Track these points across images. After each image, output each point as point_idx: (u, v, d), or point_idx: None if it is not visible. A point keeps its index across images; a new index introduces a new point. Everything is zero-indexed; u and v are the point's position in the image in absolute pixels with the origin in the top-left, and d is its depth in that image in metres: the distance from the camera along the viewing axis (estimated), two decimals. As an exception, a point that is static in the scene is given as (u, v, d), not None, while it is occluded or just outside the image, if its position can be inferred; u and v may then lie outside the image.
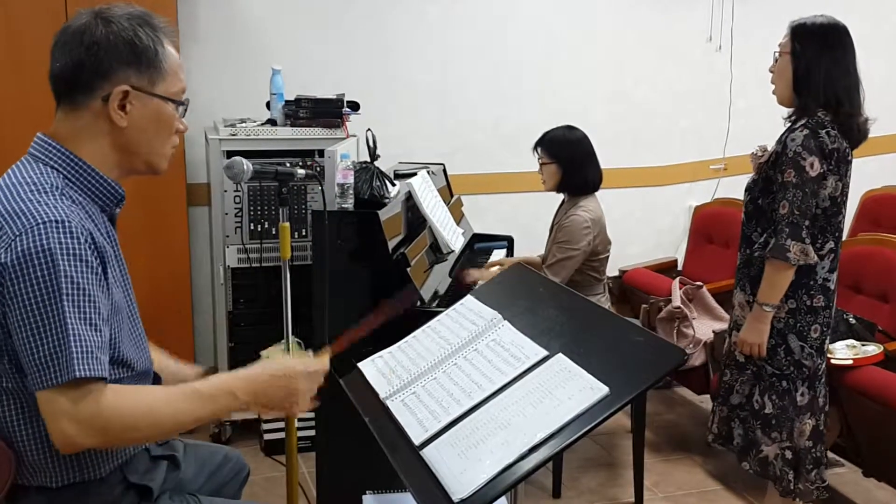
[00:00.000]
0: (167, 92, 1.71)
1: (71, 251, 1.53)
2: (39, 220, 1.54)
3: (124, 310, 1.71)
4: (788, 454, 2.76)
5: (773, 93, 2.80)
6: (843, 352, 3.14)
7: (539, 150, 3.58)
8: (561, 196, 3.68)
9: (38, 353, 1.50)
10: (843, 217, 2.77)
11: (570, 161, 3.52)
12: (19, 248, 1.52)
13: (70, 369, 1.49)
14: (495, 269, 3.50)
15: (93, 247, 1.58)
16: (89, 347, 1.52)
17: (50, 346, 1.50)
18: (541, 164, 3.57)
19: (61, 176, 1.65)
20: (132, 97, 1.66)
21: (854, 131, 2.71)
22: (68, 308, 1.51)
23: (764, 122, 3.28)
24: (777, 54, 2.78)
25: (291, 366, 1.75)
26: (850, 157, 2.71)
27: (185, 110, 1.78)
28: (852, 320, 3.32)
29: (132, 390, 1.63)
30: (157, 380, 1.90)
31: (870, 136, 2.78)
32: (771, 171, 2.72)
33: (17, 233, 1.53)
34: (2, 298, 1.53)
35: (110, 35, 1.64)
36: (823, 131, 2.64)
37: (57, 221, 1.54)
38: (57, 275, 1.51)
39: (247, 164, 2.39)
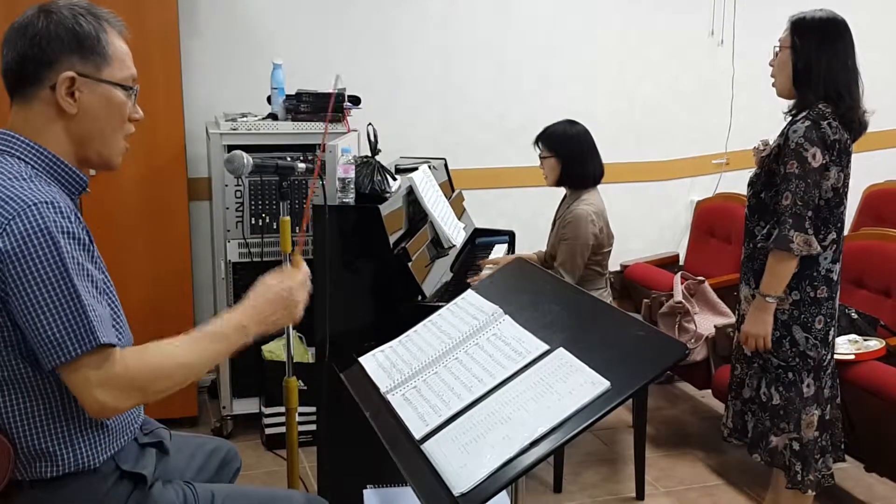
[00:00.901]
0: (114, 77, 1.72)
1: (65, 229, 1.57)
2: (30, 202, 1.56)
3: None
4: (796, 445, 2.76)
5: (774, 86, 2.81)
6: (845, 347, 3.14)
7: (539, 144, 3.58)
8: (563, 191, 3.67)
9: (57, 327, 1.53)
10: (845, 208, 2.77)
11: (570, 155, 3.51)
12: (17, 231, 1.53)
13: (94, 337, 1.54)
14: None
15: (80, 224, 1.62)
16: (101, 317, 1.57)
17: (68, 319, 1.53)
18: (541, 159, 3.57)
19: (29, 166, 1.67)
20: (79, 84, 1.68)
21: (855, 123, 2.72)
22: (78, 282, 1.55)
23: (766, 116, 3.27)
24: (777, 49, 2.79)
25: (284, 283, 1.83)
26: (850, 149, 2.72)
27: (136, 97, 1.78)
28: (854, 315, 3.32)
29: (151, 346, 1.67)
30: None
31: (872, 130, 2.78)
32: (774, 164, 2.72)
33: (10, 216, 1.54)
34: (2, 284, 1.54)
35: (51, 25, 1.67)
36: (825, 122, 2.64)
37: (47, 202, 1.57)
38: (60, 252, 1.54)
39: (247, 158, 2.39)
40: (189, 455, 2.08)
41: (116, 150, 1.78)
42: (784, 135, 2.68)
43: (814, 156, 2.61)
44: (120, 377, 1.58)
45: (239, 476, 2.25)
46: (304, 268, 1.89)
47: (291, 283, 1.84)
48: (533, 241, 3.93)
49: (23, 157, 1.67)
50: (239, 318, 1.76)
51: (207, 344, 1.71)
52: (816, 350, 2.75)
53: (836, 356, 3.06)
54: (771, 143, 2.81)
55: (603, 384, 1.59)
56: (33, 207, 1.55)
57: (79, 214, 1.66)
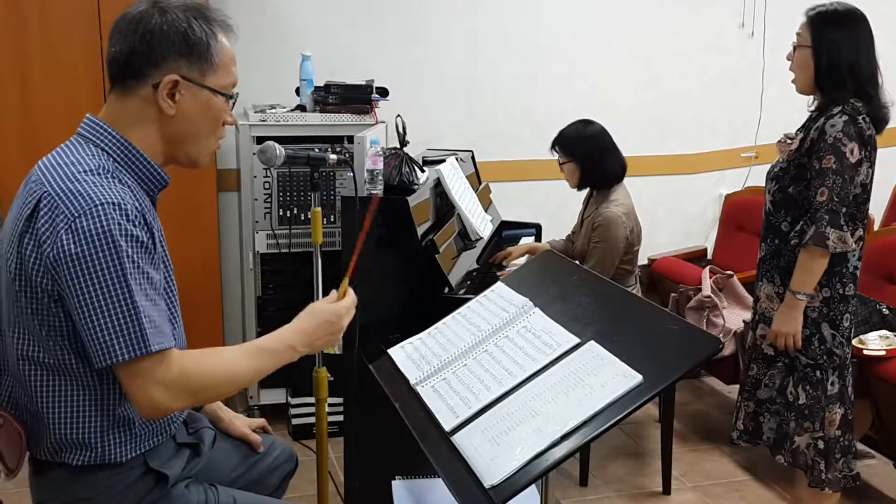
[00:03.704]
0: (217, 85, 1.73)
1: (128, 232, 1.58)
2: (97, 202, 1.57)
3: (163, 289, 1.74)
4: (820, 444, 2.73)
5: (793, 83, 2.76)
6: (875, 343, 3.11)
7: (556, 149, 3.53)
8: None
9: (110, 331, 1.55)
10: (869, 205, 2.73)
11: (588, 157, 3.45)
12: (80, 230, 1.55)
13: (146, 343, 1.56)
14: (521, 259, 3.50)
15: (145, 227, 1.62)
16: (156, 322, 1.59)
17: (121, 324, 1.55)
18: (560, 164, 3.54)
19: (111, 158, 1.68)
20: (182, 87, 1.68)
21: (881, 119, 2.68)
22: (134, 287, 1.56)
23: (796, 109, 3.23)
24: (794, 45, 2.73)
25: (333, 310, 1.86)
26: (877, 144, 2.68)
27: (234, 103, 1.80)
28: (885, 311, 3.28)
29: (209, 353, 1.70)
30: None
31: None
32: (804, 158, 2.67)
33: (76, 214, 1.56)
34: (61, 279, 1.56)
35: (164, 25, 1.66)
36: (860, 117, 2.60)
37: (114, 203, 1.58)
38: (120, 256, 1.55)
39: (279, 149, 2.41)
40: (242, 455, 2.10)
41: (206, 152, 1.79)
42: (818, 129, 2.63)
43: (851, 151, 2.57)
44: (178, 379, 1.60)
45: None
46: (352, 296, 1.92)
47: (339, 310, 1.87)
48: (559, 234, 3.91)
49: (107, 148, 1.68)
50: (289, 338, 1.79)
51: (258, 360, 1.74)
52: (842, 348, 2.72)
53: (867, 352, 3.03)
54: (793, 135, 2.77)
55: (635, 378, 1.58)
56: (99, 207, 1.56)
57: (149, 215, 1.66)
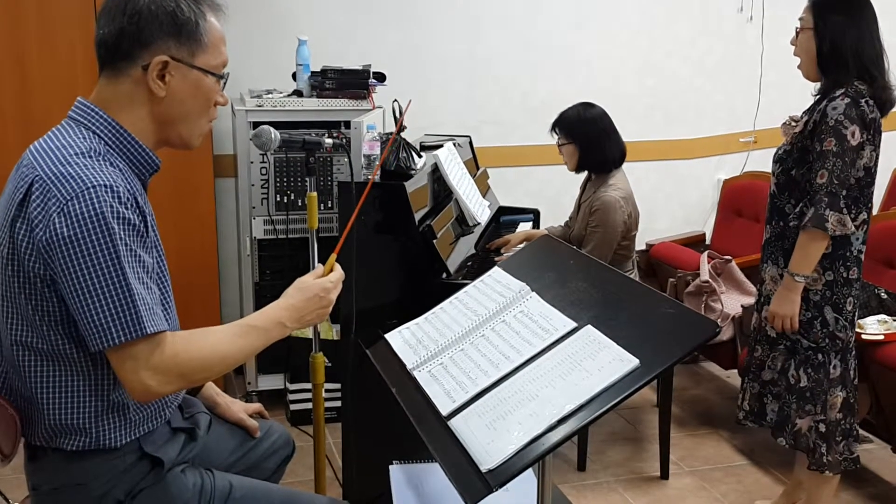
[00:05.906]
0: (207, 65, 1.73)
1: (120, 215, 1.57)
2: (89, 185, 1.56)
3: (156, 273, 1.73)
4: (822, 427, 2.74)
5: (798, 68, 2.76)
6: (874, 327, 3.11)
7: (556, 130, 3.53)
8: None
9: (105, 314, 1.54)
10: (874, 188, 2.72)
11: (587, 140, 3.45)
12: (73, 213, 1.54)
13: (141, 326, 1.55)
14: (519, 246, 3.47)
15: (137, 211, 1.62)
16: (149, 304, 1.59)
17: (116, 307, 1.54)
18: (559, 146, 3.53)
19: (102, 142, 1.67)
20: (172, 68, 1.68)
21: (886, 102, 2.68)
22: (129, 270, 1.56)
23: (795, 94, 3.22)
24: (798, 29, 2.73)
25: (321, 284, 1.86)
26: (881, 128, 2.67)
27: (225, 84, 1.79)
28: (884, 295, 3.28)
29: (199, 334, 1.69)
30: None
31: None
32: (808, 140, 2.67)
33: (68, 197, 1.55)
34: (54, 263, 1.56)
35: (152, 5, 1.65)
36: (863, 100, 2.60)
37: (105, 186, 1.57)
38: (113, 239, 1.55)
39: (274, 133, 2.40)
40: (239, 440, 2.10)
41: (197, 133, 1.78)
42: (822, 111, 2.62)
43: (853, 134, 2.57)
44: (168, 363, 1.60)
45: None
46: (339, 271, 1.91)
47: (327, 285, 1.86)
48: (557, 219, 3.90)
49: (98, 131, 1.67)
50: (279, 315, 1.79)
51: (248, 338, 1.73)
52: (845, 331, 2.72)
53: (865, 336, 3.03)
54: (798, 118, 2.76)
55: (632, 361, 1.58)
56: (91, 190, 1.55)
57: (140, 198, 1.66)
